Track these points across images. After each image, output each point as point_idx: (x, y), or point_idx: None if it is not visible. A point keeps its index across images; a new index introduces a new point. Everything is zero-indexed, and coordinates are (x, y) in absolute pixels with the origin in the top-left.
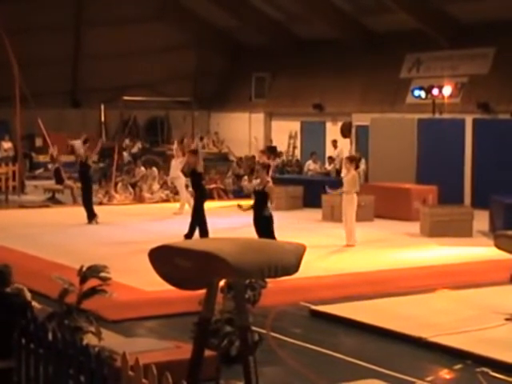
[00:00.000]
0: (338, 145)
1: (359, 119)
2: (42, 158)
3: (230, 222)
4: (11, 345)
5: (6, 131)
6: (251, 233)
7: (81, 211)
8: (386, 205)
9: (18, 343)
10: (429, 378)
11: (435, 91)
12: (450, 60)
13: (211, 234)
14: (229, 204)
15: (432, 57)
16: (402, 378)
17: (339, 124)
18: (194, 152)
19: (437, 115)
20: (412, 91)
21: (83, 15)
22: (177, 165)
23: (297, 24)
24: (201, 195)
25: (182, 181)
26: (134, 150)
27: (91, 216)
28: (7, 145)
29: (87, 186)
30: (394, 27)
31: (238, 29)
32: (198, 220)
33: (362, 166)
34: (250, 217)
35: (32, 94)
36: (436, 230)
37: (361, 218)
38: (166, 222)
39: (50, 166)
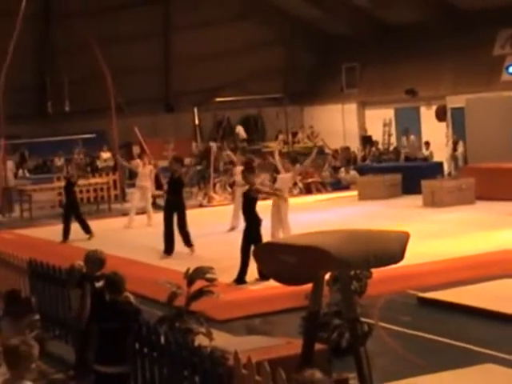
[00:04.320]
0: (430, 147)
1: (454, 101)
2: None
3: (329, 215)
4: (126, 350)
5: (104, 142)
6: (353, 225)
7: None
8: (487, 186)
9: (132, 348)
10: None
11: None
12: None
13: (312, 229)
14: (327, 197)
15: None
16: None
17: (433, 108)
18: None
19: None
20: (507, 68)
21: (171, 21)
22: (145, 173)
23: (382, 10)
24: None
25: (149, 191)
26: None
27: None
28: (106, 155)
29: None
30: (484, 4)
31: (323, 20)
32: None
33: (460, 148)
34: (350, 209)
35: (126, 103)
36: None
37: (462, 201)
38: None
39: None
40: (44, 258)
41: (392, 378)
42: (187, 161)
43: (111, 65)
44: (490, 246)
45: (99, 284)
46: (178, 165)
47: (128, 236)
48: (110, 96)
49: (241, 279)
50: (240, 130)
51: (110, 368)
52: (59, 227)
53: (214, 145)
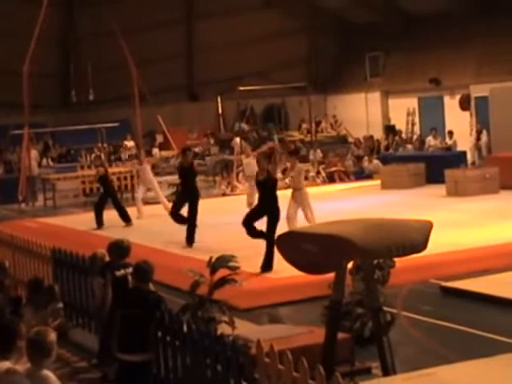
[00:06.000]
0: (453, 136)
1: (478, 91)
2: (163, 154)
3: (352, 204)
4: (148, 339)
5: (127, 130)
6: (376, 214)
7: (203, 204)
8: (511, 175)
9: (154, 336)
10: None
11: None
12: None
13: (335, 218)
14: (350, 186)
15: None
16: None
17: (457, 97)
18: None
19: None
20: None
21: (194, 9)
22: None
23: None
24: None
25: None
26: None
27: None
28: (130, 144)
29: None
30: None
31: (347, 9)
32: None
33: (484, 137)
34: (373, 198)
35: (150, 92)
36: None
37: (486, 190)
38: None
39: (171, 161)
40: (67, 247)
41: (415, 367)
42: (214, 150)
43: (135, 53)
44: None
45: (120, 273)
46: (190, 153)
47: (150, 225)
48: (134, 85)
49: (267, 266)
50: (244, 126)
51: (132, 356)
52: (83, 216)
53: (237, 138)
